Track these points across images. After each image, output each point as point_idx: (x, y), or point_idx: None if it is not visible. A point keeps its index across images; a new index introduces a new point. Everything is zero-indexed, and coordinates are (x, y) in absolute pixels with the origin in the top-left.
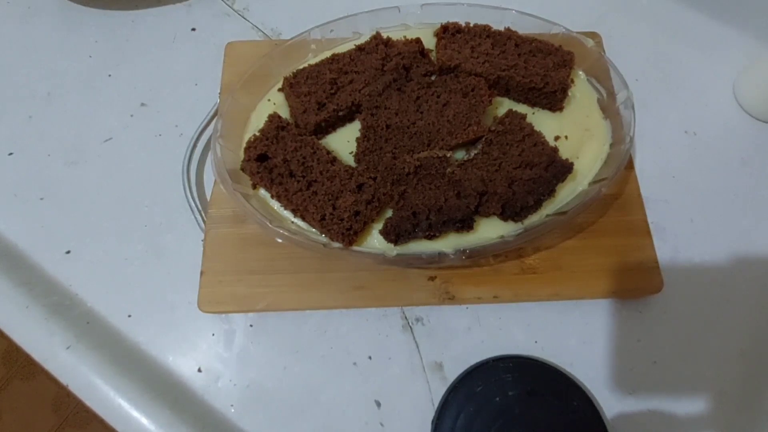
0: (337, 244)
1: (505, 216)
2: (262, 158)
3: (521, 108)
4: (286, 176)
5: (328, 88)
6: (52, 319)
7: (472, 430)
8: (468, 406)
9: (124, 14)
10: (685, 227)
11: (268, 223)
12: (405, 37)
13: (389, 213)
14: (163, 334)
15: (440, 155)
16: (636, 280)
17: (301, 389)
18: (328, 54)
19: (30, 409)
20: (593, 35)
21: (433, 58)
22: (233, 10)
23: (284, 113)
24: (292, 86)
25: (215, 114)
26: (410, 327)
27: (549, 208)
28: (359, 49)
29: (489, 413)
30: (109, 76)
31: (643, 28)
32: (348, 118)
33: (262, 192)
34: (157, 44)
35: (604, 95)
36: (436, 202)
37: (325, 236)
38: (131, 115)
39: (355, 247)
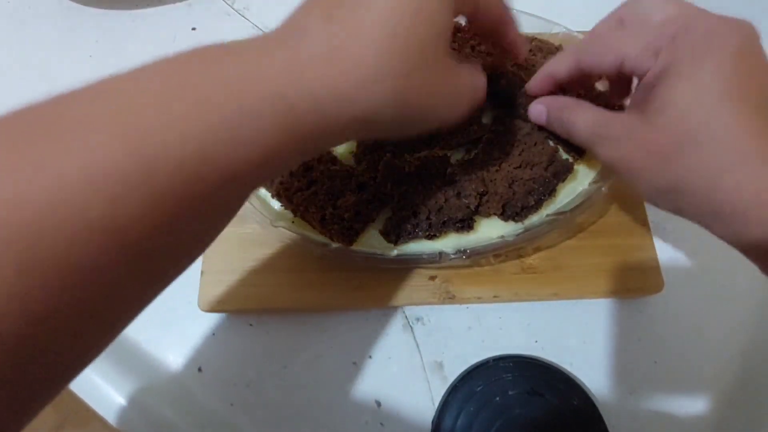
0: (337, 244)
1: (505, 216)
2: None
3: None
4: (286, 176)
5: None
6: None
7: (472, 430)
8: (468, 405)
9: (124, 14)
10: (685, 227)
11: (268, 223)
12: None
13: (389, 213)
14: (163, 334)
15: (440, 155)
16: (636, 280)
17: (301, 389)
18: None
19: None
20: None
21: None
22: (233, 9)
23: None
24: None
25: None
26: (410, 327)
27: (549, 207)
28: None
29: (489, 413)
30: (110, 76)
31: None
32: None
33: (262, 192)
34: (158, 44)
35: None
36: (436, 202)
37: (325, 236)
38: None
39: (355, 247)
